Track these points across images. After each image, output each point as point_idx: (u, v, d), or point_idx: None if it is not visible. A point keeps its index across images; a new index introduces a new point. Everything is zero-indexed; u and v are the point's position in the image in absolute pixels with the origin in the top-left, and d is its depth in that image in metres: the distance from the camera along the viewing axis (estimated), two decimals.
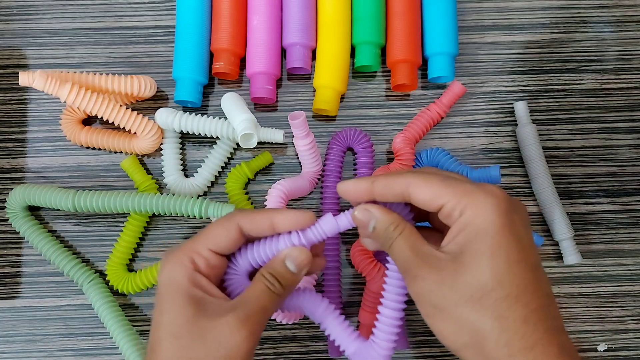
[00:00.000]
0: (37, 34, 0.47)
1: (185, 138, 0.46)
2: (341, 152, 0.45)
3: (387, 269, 0.35)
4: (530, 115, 0.46)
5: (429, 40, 0.45)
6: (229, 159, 0.46)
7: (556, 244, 0.45)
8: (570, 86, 0.47)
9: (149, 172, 0.46)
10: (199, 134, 0.44)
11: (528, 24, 0.47)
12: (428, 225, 0.36)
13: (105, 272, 0.44)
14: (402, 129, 0.45)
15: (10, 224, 0.44)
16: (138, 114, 0.43)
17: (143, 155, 0.46)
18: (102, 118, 0.42)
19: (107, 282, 0.44)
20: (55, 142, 0.46)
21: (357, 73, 0.47)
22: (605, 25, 0.48)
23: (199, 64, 0.44)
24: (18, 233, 0.44)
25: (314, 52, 0.46)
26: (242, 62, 0.46)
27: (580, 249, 0.45)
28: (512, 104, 0.47)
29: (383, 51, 0.46)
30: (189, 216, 0.42)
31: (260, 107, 0.46)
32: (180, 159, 0.45)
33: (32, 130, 0.46)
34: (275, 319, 0.42)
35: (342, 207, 0.45)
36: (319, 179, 0.45)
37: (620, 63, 0.47)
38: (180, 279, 0.32)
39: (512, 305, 0.29)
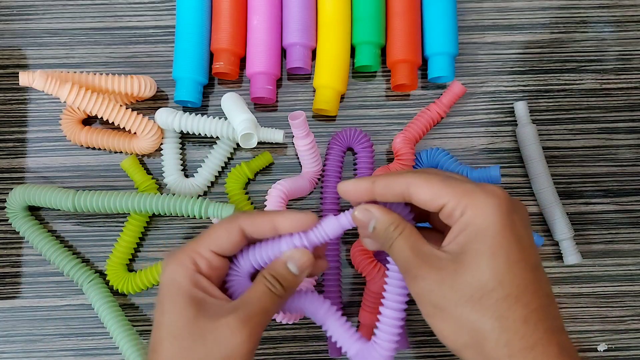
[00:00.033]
0: (37, 34, 0.47)
1: (185, 138, 0.46)
2: (341, 152, 0.45)
3: (388, 269, 0.35)
4: (530, 115, 0.46)
5: (429, 40, 0.45)
6: (229, 159, 0.46)
7: (556, 244, 0.45)
8: (570, 86, 0.47)
9: (149, 172, 0.46)
10: (199, 134, 0.44)
11: (528, 24, 0.47)
12: (428, 225, 0.36)
13: (105, 272, 0.44)
14: (402, 129, 0.45)
15: (10, 224, 0.44)
16: (138, 114, 0.43)
17: (143, 155, 0.46)
18: (102, 118, 0.42)
19: (107, 282, 0.44)
20: (55, 142, 0.46)
21: (357, 73, 0.47)
22: (605, 25, 0.48)
23: (199, 64, 0.44)
24: (18, 233, 0.44)
25: (314, 52, 0.46)
26: (242, 62, 0.46)
27: (580, 249, 0.45)
28: (512, 104, 0.47)
29: (383, 51, 0.46)
30: (189, 216, 0.42)
31: (260, 107, 0.46)
32: (180, 159, 0.45)
33: (32, 130, 0.46)
34: (275, 319, 0.42)
35: (342, 207, 0.45)
36: (319, 179, 0.45)
37: (620, 63, 0.47)
38: (182, 279, 0.32)
39: (512, 305, 0.29)
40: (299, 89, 0.46)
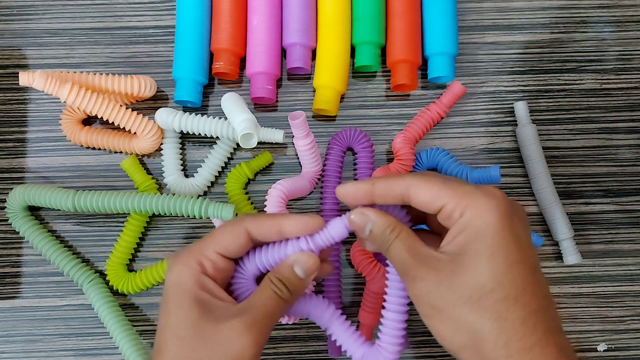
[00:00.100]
0: (37, 34, 0.47)
1: (185, 138, 0.46)
2: (341, 152, 0.45)
3: (388, 272, 0.35)
4: (530, 115, 0.46)
5: (429, 40, 0.45)
6: (229, 159, 0.46)
7: (556, 244, 0.45)
8: (570, 86, 0.47)
9: (149, 172, 0.46)
10: (199, 134, 0.44)
11: (528, 24, 0.47)
12: (425, 228, 0.36)
13: (105, 272, 0.44)
14: (402, 129, 0.45)
15: (10, 224, 0.44)
16: (138, 114, 0.43)
17: (143, 155, 0.46)
18: (102, 118, 0.42)
19: (107, 282, 0.44)
20: (55, 142, 0.46)
21: (357, 73, 0.47)
22: (605, 25, 0.48)
23: (199, 64, 0.44)
24: (18, 233, 0.44)
25: (314, 52, 0.46)
26: (242, 62, 0.46)
27: (580, 249, 0.45)
28: (512, 104, 0.47)
29: (383, 51, 0.46)
30: (189, 216, 0.43)
31: (260, 107, 0.46)
32: (180, 159, 0.45)
33: (32, 130, 0.46)
34: None
35: (342, 207, 0.45)
36: (319, 179, 0.45)
37: (620, 63, 0.47)
38: (187, 281, 0.32)
39: (511, 306, 0.29)
40: (299, 89, 0.46)
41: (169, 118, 0.43)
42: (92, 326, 0.44)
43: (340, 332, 0.36)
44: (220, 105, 0.44)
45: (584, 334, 0.45)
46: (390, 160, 0.46)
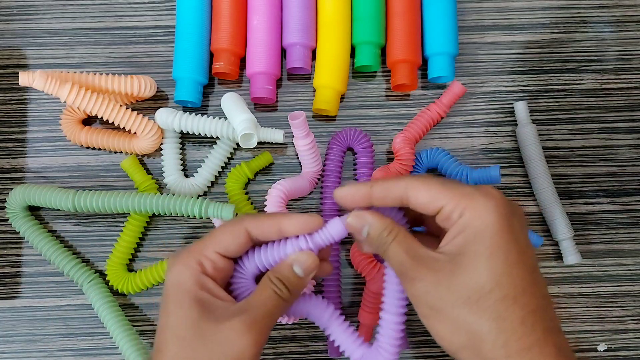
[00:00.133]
0: (37, 34, 0.47)
1: (185, 138, 0.46)
2: (341, 152, 0.45)
3: (386, 274, 0.35)
4: (530, 115, 0.46)
5: (429, 40, 0.45)
6: (229, 159, 0.46)
7: (556, 244, 0.45)
8: (570, 86, 0.47)
9: (149, 172, 0.46)
10: (199, 134, 0.44)
11: (528, 24, 0.47)
12: (423, 230, 0.36)
13: (105, 272, 0.44)
14: (402, 129, 0.45)
15: (10, 224, 0.44)
16: (138, 114, 0.43)
17: (143, 155, 0.46)
18: (102, 118, 0.43)
19: (107, 282, 0.44)
20: (55, 142, 0.46)
21: (357, 73, 0.47)
22: (605, 25, 0.48)
23: (199, 64, 0.44)
24: (18, 233, 0.44)
25: (314, 52, 0.46)
26: (242, 62, 0.46)
27: (580, 249, 0.45)
28: (512, 104, 0.47)
29: (383, 51, 0.46)
30: (189, 216, 0.43)
31: (260, 107, 0.46)
32: (180, 159, 0.45)
33: (32, 130, 0.46)
34: None
35: (341, 207, 0.45)
36: (319, 179, 0.45)
37: (620, 63, 0.47)
38: (187, 280, 0.32)
39: (510, 306, 0.29)
40: (299, 89, 0.46)
41: (169, 118, 0.43)
42: (92, 326, 0.45)
43: (339, 332, 0.36)
44: (220, 105, 0.44)
45: (583, 334, 0.45)
46: (390, 160, 0.46)
